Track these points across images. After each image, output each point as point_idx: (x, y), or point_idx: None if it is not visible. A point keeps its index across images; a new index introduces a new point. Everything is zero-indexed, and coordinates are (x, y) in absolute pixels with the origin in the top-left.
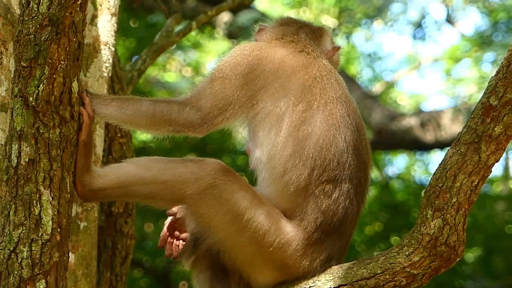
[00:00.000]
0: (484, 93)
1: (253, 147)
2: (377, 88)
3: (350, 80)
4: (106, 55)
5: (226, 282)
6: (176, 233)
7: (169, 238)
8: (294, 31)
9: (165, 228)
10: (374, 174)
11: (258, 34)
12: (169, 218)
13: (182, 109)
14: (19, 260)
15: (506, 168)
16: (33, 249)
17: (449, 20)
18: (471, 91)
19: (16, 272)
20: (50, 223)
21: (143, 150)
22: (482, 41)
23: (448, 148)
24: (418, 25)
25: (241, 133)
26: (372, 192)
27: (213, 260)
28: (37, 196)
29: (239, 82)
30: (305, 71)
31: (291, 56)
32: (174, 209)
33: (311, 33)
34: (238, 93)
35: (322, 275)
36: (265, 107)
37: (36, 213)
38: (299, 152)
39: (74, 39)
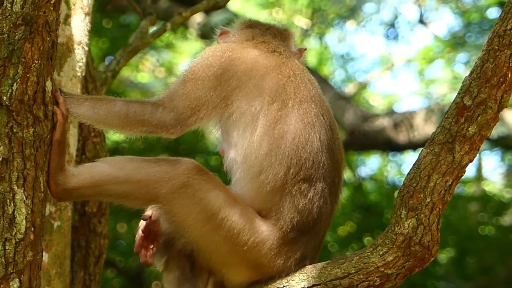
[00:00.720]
0: (458, 93)
1: (227, 147)
2: (350, 89)
3: (323, 81)
4: (79, 54)
5: (194, 282)
6: (152, 236)
7: (144, 242)
8: (263, 33)
9: (139, 231)
10: (347, 174)
11: (221, 37)
12: (143, 222)
13: (155, 109)
14: None
15: (479, 169)
16: (6, 248)
17: (422, 20)
18: (444, 91)
19: None
20: (24, 222)
21: (116, 150)
22: (455, 42)
23: (421, 148)
24: (391, 25)
25: (214, 134)
26: (345, 192)
27: (183, 260)
28: (11, 195)
29: (212, 83)
30: (278, 71)
31: (263, 56)
32: (148, 212)
33: (279, 35)
34: (211, 93)
35: (296, 274)
36: (240, 107)
37: (10, 212)
38: (275, 151)
39: (48, 38)
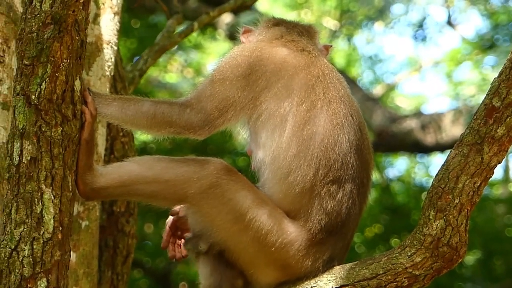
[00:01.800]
0: (487, 95)
1: (255, 148)
2: (378, 90)
3: (351, 82)
4: (108, 54)
5: (225, 274)
6: (179, 232)
7: (171, 238)
8: (290, 31)
9: (167, 227)
10: (374, 176)
11: (244, 35)
12: (171, 217)
13: (183, 110)
14: (20, 259)
15: (506, 170)
16: (34, 247)
17: (450, 22)
18: (472, 93)
19: (17, 271)
20: (52, 221)
21: (144, 150)
22: (483, 44)
23: (449, 150)
24: (419, 27)
25: (242, 134)
26: (372, 194)
27: (212, 253)
28: (39, 194)
29: (240, 83)
30: (307, 71)
31: (292, 56)
32: (176, 208)
33: (305, 32)
34: (239, 94)
35: (324, 275)
36: (268, 108)
37: (38, 212)
38: (303, 152)
39: (77, 38)
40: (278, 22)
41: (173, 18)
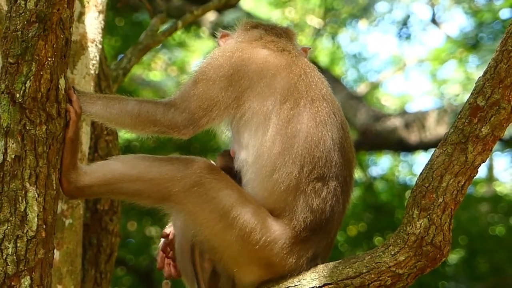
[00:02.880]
0: (471, 94)
1: (238, 148)
2: (362, 88)
3: (335, 81)
4: (93, 52)
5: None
6: (171, 252)
7: (165, 259)
8: (268, 32)
9: (159, 250)
10: (358, 174)
11: (222, 39)
12: (162, 240)
13: (167, 110)
14: (4, 257)
15: (490, 169)
16: (18, 245)
17: (435, 21)
18: (456, 92)
19: (1, 269)
20: (36, 219)
21: (128, 148)
22: (467, 42)
23: (433, 149)
24: (404, 24)
25: (225, 134)
26: (356, 192)
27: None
28: (23, 192)
29: (223, 83)
30: (289, 69)
31: (274, 55)
32: (167, 230)
33: (284, 34)
34: (223, 94)
35: (308, 273)
36: (252, 107)
37: (22, 210)
38: (288, 150)
39: (62, 36)
40: (256, 25)
41: (157, 17)
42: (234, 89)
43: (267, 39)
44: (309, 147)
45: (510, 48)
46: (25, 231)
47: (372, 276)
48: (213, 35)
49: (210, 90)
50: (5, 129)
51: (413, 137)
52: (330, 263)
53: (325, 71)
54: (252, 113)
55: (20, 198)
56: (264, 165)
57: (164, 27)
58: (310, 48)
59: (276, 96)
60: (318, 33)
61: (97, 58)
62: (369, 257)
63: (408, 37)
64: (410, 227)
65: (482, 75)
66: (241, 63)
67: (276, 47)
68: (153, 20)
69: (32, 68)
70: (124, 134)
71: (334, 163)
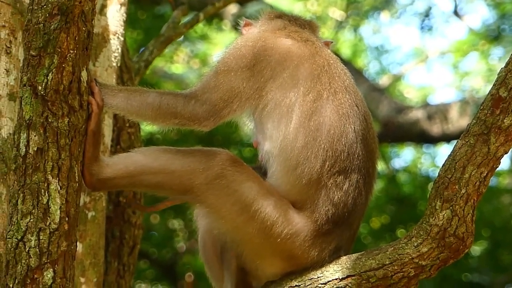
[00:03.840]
0: (493, 85)
1: (262, 139)
2: (384, 81)
3: (358, 73)
4: (115, 44)
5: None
6: None
7: None
8: (292, 23)
9: None
10: (380, 166)
11: (245, 28)
12: None
13: (188, 102)
14: (27, 249)
15: None
16: (41, 238)
17: (457, 13)
18: (479, 84)
19: (23, 261)
20: (58, 212)
21: (150, 141)
22: (489, 34)
23: (455, 140)
24: (426, 15)
25: (247, 125)
26: (378, 184)
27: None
28: (45, 185)
29: (245, 74)
30: (312, 60)
31: (297, 46)
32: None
33: (307, 25)
34: (244, 85)
35: (331, 265)
36: (274, 98)
37: (44, 202)
38: (311, 144)
39: (84, 28)
40: (279, 15)
41: (178, 9)
42: (256, 79)
43: (291, 29)
44: (332, 141)
45: None
46: (47, 224)
47: (395, 267)
48: (235, 27)
49: (232, 81)
50: (27, 121)
51: (435, 129)
52: (353, 255)
53: (347, 63)
54: (275, 104)
55: (42, 190)
56: (288, 158)
57: (185, 19)
58: (332, 42)
59: (299, 88)
60: (340, 25)
61: (119, 50)
62: (392, 248)
63: (430, 29)
64: (433, 218)
65: (504, 66)
66: (263, 53)
67: (300, 37)
68: (174, 12)
69: (54, 60)
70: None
71: (356, 155)
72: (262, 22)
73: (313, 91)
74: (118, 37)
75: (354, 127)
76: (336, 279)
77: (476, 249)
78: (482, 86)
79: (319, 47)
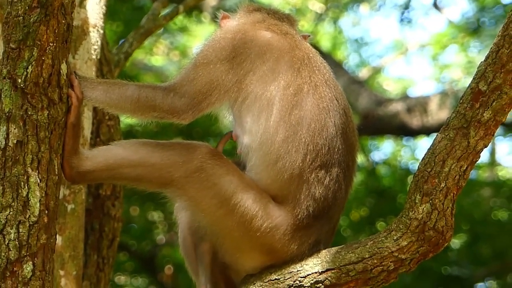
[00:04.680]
0: (473, 78)
1: (241, 133)
2: (364, 73)
3: (337, 65)
4: (94, 37)
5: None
6: None
7: None
8: (271, 16)
9: None
10: (360, 159)
11: (223, 21)
12: None
13: (167, 95)
14: (6, 242)
15: (492, 154)
16: (20, 231)
17: (436, 5)
18: (458, 76)
19: (3, 254)
20: (38, 205)
21: (130, 133)
22: (468, 27)
23: (435, 133)
24: (405, 8)
25: (227, 118)
26: (358, 177)
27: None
28: (25, 178)
29: (224, 67)
30: (292, 54)
31: (276, 39)
32: None
33: (286, 19)
34: (223, 77)
35: (310, 259)
36: (254, 91)
37: (24, 195)
38: (291, 138)
39: (63, 21)
40: (258, 8)
41: (158, 1)
42: (235, 72)
43: (270, 22)
44: (313, 135)
45: None
46: (27, 217)
47: (375, 261)
48: (214, 19)
49: (210, 74)
50: (7, 114)
51: (415, 121)
52: (333, 248)
53: (327, 56)
54: (255, 97)
55: (22, 183)
56: (268, 153)
57: (165, 11)
58: (310, 36)
59: (279, 81)
60: (320, 18)
61: (99, 43)
62: (372, 242)
63: (409, 21)
64: (413, 212)
65: (484, 60)
66: (243, 45)
67: (279, 30)
68: (154, 4)
69: (33, 53)
70: (126, 119)
71: (336, 149)
72: (240, 15)
73: (293, 85)
74: (97, 30)
75: (335, 121)
76: (315, 272)
77: (456, 242)
78: (461, 78)
79: (298, 40)
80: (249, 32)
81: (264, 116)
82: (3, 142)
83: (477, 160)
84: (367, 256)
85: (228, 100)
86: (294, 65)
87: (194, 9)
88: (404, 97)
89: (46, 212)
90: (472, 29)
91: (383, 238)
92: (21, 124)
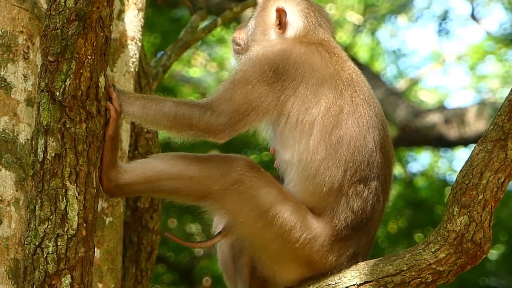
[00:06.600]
0: (510, 90)
1: (280, 148)
2: (401, 84)
3: (375, 77)
4: (132, 50)
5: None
6: None
7: None
8: (316, 27)
9: None
10: (398, 171)
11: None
12: None
13: (204, 113)
14: (45, 255)
15: None
16: (58, 244)
17: (474, 16)
18: (496, 86)
19: (41, 267)
20: (76, 218)
21: (168, 146)
22: (505, 38)
23: (473, 144)
24: (443, 19)
25: (265, 132)
26: (396, 188)
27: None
28: (63, 191)
29: (264, 88)
30: (337, 77)
31: (321, 63)
32: None
33: (329, 29)
34: (262, 99)
35: (348, 271)
36: (295, 115)
37: (62, 208)
38: (332, 156)
39: (101, 34)
40: (309, 11)
41: (196, 13)
42: (276, 95)
43: (318, 34)
44: (352, 152)
45: None
46: (65, 230)
47: (413, 273)
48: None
49: (249, 94)
50: (45, 127)
51: (452, 132)
52: (371, 260)
53: (364, 68)
54: (296, 120)
55: (60, 196)
56: (307, 168)
57: (204, 24)
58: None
59: (321, 104)
60: (357, 29)
61: (137, 55)
62: (410, 254)
63: (447, 32)
64: (451, 224)
65: None
66: (285, 68)
67: (327, 49)
68: (193, 17)
69: (72, 66)
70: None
71: (376, 164)
72: (290, 17)
73: (334, 106)
74: (135, 42)
75: (374, 137)
76: (353, 285)
77: (494, 253)
78: (499, 88)
79: (343, 60)
80: (293, 54)
81: (305, 137)
82: (41, 155)
83: None
84: (405, 268)
85: (266, 120)
86: (337, 88)
87: (232, 21)
88: (442, 108)
89: (84, 225)
90: (509, 39)
91: (421, 250)
92: (59, 137)
